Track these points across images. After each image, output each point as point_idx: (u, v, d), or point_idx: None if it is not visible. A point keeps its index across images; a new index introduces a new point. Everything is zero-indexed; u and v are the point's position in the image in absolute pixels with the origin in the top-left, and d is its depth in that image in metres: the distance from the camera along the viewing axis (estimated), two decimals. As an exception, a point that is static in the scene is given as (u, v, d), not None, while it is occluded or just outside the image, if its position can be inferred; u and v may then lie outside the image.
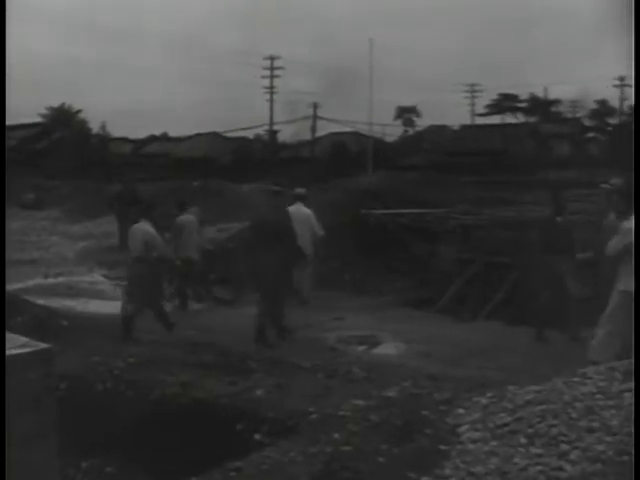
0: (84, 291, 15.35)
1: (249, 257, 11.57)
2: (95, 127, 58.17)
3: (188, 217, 14.21)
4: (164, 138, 58.85)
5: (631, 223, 8.52)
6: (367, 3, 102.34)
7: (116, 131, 59.13)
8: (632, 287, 8.35)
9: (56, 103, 56.74)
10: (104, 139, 57.11)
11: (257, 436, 7.21)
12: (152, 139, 58.34)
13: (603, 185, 11.44)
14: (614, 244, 8.77)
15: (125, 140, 57.50)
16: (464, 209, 16.69)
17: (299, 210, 12.82)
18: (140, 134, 59.14)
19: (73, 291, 15.29)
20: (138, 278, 11.12)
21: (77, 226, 25.10)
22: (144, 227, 11.27)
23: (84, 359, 8.92)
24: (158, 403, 7.95)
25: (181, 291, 14.09)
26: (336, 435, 6.52)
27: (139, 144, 56.98)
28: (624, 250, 8.53)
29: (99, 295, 15.31)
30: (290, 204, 12.41)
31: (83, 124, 57.10)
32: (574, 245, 11.44)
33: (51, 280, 15.53)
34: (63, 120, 55.27)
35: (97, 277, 16.56)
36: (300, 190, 13.71)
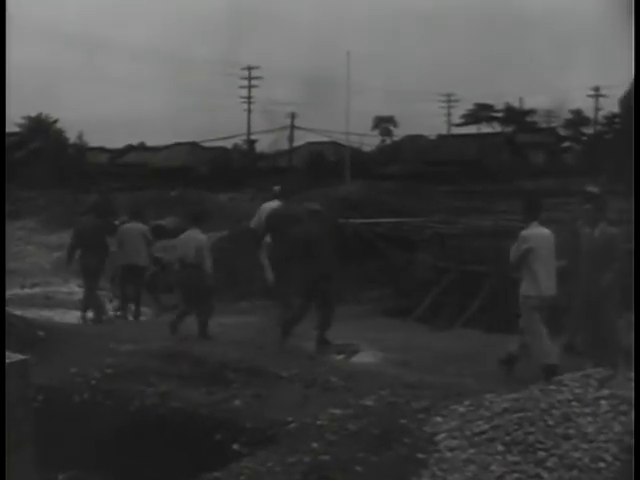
0: (61, 301, 15.26)
1: (288, 271, 12.17)
2: (72, 137, 57.96)
3: (134, 225, 14.27)
4: (141, 148, 58.66)
5: (528, 231, 9.22)
6: (344, 13, 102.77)
7: (93, 141, 58.93)
8: (531, 292, 9.07)
9: (33, 113, 56.45)
10: (81, 149, 56.86)
11: (235, 446, 7.20)
12: (129, 149, 58.13)
13: (589, 189, 11.55)
14: (513, 250, 9.30)
15: (102, 150, 57.28)
16: (441, 218, 16.80)
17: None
18: (117, 144, 58.96)
19: (50, 301, 15.20)
20: (188, 283, 11.64)
21: (53, 236, 24.93)
22: (196, 235, 11.73)
23: (61, 370, 8.86)
24: (137, 414, 7.92)
25: (131, 297, 14.28)
26: (314, 444, 6.53)
27: (116, 154, 56.77)
28: (522, 256, 9.10)
29: (76, 305, 15.21)
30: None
31: (60, 134, 56.82)
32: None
33: (27, 290, 15.44)
34: (40, 130, 54.96)
35: (74, 287, 16.46)
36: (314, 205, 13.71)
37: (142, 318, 14.25)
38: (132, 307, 14.26)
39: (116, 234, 14.16)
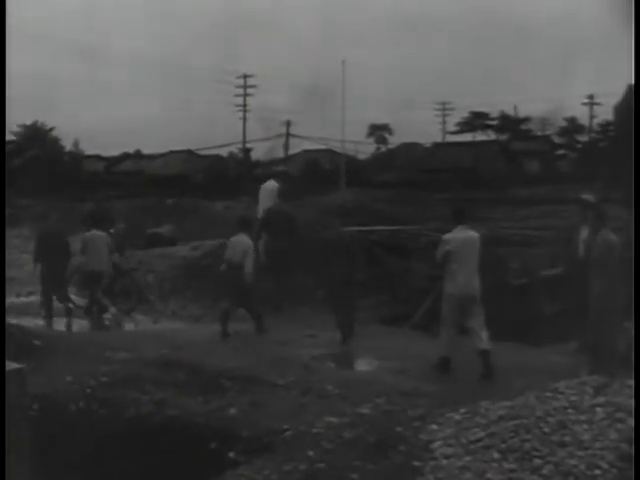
0: (57, 310, 15.22)
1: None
2: (68, 145, 57.90)
3: (96, 232, 14.78)
4: (137, 156, 58.60)
5: (450, 235, 10.03)
6: (339, 22, 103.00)
7: (89, 149, 58.87)
8: (451, 289, 9.91)
9: (29, 121, 56.40)
10: (77, 157, 56.78)
11: (231, 454, 7.19)
12: (125, 157, 58.08)
13: (584, 196, 11.61)
14: (437, 252, 10.15)
15: (98, 158, 57.20)
16: (436, 226, 16.79)
17: None
18: (113, 152, 58.90)
19: (94, 316, 15.16)
20: (236, 282, 12.70)
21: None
22: (244, 239, 13.02)
23: (57, 378, 8.85)
24: (132, 422, 7.91)
25: (96, 301, 14.66)
26: (310, 453, 6.53)
27: (112, 162, 56.70)
28: (444, 257, 9.92)
29: (72, 314, 15.17)
30: None
31: (56, 142, 56.76)
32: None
33: (23, 299, 15.38)
34: (36, 138, 54.90)
35: (70, 296, 16.42)
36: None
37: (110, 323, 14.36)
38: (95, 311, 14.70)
39: (80, 241, 14.75)
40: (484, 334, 9.81)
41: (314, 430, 7.12)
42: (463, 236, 9.99)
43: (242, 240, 13.03)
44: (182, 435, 7.62)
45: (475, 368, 9.56)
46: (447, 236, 10.12)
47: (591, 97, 58.13)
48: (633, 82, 9.05)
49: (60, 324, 14.18)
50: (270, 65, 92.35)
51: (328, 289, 13.11)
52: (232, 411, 7.93)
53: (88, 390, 8.62)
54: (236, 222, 14.09)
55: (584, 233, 10.79)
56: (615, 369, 8.67)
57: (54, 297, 14.57)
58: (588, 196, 11.70)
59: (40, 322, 13.92)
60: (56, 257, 14.42)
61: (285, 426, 7.32)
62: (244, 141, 57.99)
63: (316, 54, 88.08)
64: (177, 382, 8.90)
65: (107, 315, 14.83)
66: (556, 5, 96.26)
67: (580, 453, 5.91)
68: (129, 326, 14.58)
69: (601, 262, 9.51)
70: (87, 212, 21.29)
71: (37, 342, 10.50)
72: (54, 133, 57.02)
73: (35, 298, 15.44)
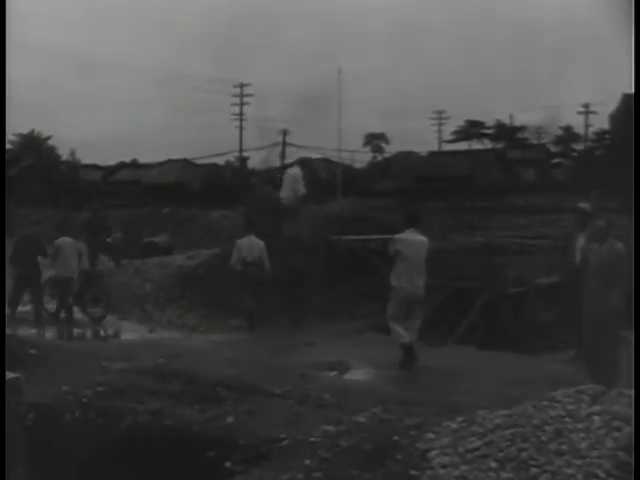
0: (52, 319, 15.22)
1: None
2: (64, 154, 57.92)
3: (66, 239, 15.29)
4: (134, 165, 58.65)
5: (400, 236, 11.05)
6: (336, 31, 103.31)
7: (86, 158, 58.90)
8: (395, 283, 10.82)
9: (25, 130, 56.39)
10: (74, 166, 56.78)
11: (228, 464, 7.17)
12: (122, 166, 58.11)
13: (580, 205, 11.63)
14: (388, 249, 11.16)
15: (95, 167, 57.23)
16: (432, 234, 16.81)
17: None
18: (110, 161, 58.94)
19: (63, 323, 15.17)
20: (256, 278, 14.02)
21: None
22: (256, 239, 14.34)
23: (53, 388, 8.83)
24: (129, 431, 7.89)
25: (65, 307, 15.10)
26: (307, 461, 6.51)
27: (109, 171, 56.72)
28: (393, 255, 10.95)
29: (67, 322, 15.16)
30: None
31: (52, 151, 56.77)
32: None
33: (20, 308, 15.37)
34: (32, 147, 54.89)
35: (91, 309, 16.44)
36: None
37: (131, 335, 14.29)
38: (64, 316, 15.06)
39: (51, 248, 15.26)
40: (414, 327, 10.87)
41: (311, 439, 7.10)
42: (412, 238, 10.95)
43: (254, 240, 14.38)
44: (179, 444, 7.60)
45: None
46: (397, 237, 11.10)
47: (586, 106, 58.37)
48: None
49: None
50: (267, 74, 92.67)
51: (286, 280, 14.45)
52: (229, 420, 7.92)
53: (84, 400, 8.60)
54: (243, 224, 15.10)
55: (581, 241, 10.81)
56: (613, 377, 8.69)
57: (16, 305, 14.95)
58: (584, 205, 11.73)
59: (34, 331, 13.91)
60: (32, 262, 14.85)
61: (282, 435, 7.30)
62: (240, 150, 58.08)
63: (312, 63, 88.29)
64: (173, 391, 8.88)
65: (139, 328, 14.98)
66: (553, 14, 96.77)
67: (577, 462, 5.89)
68: (77, 332, 14.62)
69: (606, 270, 9.52)
70: (84, 221, 21.34)
71: (33, 351, 10.47)
72: (50, 142, 57.08)
73: (31, 307, 15.44)
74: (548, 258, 13.56)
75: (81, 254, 15.44)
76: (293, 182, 17.17)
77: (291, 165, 20.58)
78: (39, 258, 15.21)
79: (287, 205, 17.08)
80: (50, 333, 14.07)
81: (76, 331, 14.64)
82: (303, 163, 19.55)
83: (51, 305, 15.50)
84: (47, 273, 15.50)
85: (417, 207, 16.11)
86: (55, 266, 15.12)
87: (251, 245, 14.35)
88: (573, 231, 11.38)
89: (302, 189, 16.91)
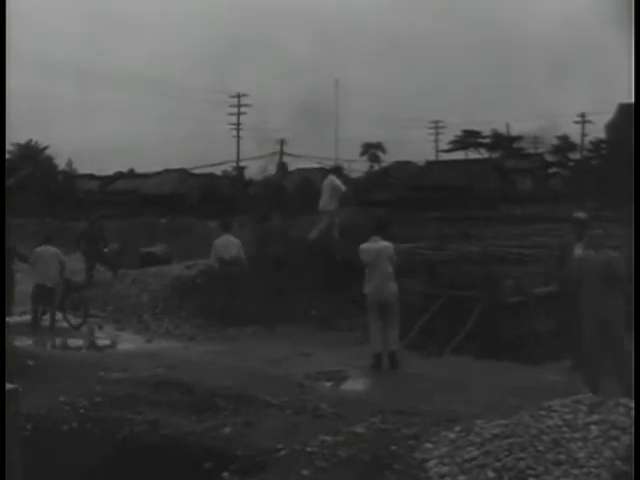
0: (56, 330, 15.21)
1: None
2: (62, 164, 57.93)
3: (47, 248, 15.60)
4: (131, 175, 58.68)
5: (365, 245, 11.48)
6: (333, 42, 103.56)
7: (83, 168, 58.91)
8: (367, 290, 11.39)
9: (22, 139, 56.40)
10: (70, 176, 56.80)
11: (225, 474, 7.16)
12: (119, 176, 58.14)
13: (577, 215, 11.65)
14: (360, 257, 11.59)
15: (92, 177, 57.24)
16: (430, 244, 16.81)
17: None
18: (107, 171, 58.95)
19: (39, 329, 15.13)
20: (232, 275, 14.95)
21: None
22: (232, 238, 15.35)
23: (50, 399, 8.82)
24: (126, 442, 7.88)
25: (45, 315, 15.31)
26: (305, 472, 6.51)
27: (106, 181, 56.74)
28: (363, 262, 11.47)
29: (64, 333, 15.14)
30: None
31: (49, 161, 56.79)
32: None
33: (16, 318, 15.35)
34: (29, 156, 54.91)
35: (71, 316, 16.42)
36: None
37: (128, 345, 14.27)
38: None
39: (31, 256, 15.55)
40: (395, 336, 11.33)
41: (308, 449, 7.10)
42: (372, 246, 11.43)
43: (231, 239, 15.38)
44: (176, 455, 7.59)
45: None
46: (362, 246, 11.59)
47: (583, 115, 58.46)
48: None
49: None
50: (264, 84, 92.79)
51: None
52: (226, 430, 7.91)
53: (81, 410, 8.59)
54: (220, 225, 15.98)
55: (578, 251, 10.82)
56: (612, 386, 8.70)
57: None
58: (581, 214, 11.75)
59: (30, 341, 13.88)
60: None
61: (279, 445, 7.30)
62: (238, 160, 58.09)
63: (310, 74, 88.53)
64: (171, 401, 8.87)
65: (136, 338, 14.84)
66: (549, 24, 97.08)
67: (575, 471, 5.90)
68: (74, 342, 14.50)
69: (602, 279, 9.53)
70: (81, 231, 21.35)
71: (30, 362, 10.46)
72: (47, 152, 57.13)
73: (28, 317, 15.42)
74: (545, 267, 13.55)
75: (63, 263, 15.63)
76: (331, 190, 17.44)
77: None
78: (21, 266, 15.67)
79: (325, 213, 17.43)
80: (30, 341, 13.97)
81: (70, 341, 14.56)
82: (338, 171, 20.14)
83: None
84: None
85: (387, 216, 16.37)
86: (34, 274, 15.40)
87: (227, 244, 15.29)
88: (570, 240, 11.39)
89: (342, 188, 17.40)
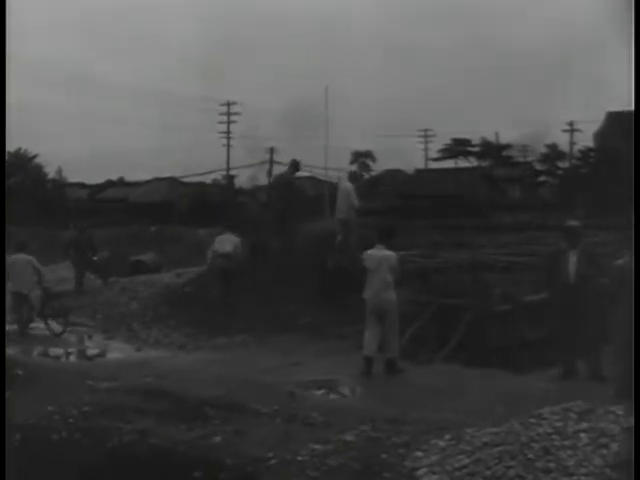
0: (38, 338, 15.16)
1: None
2: (51, 172, 57.81)
3: (20, 256, 15.75)
4: (121, 183, 58.57)
5: (368, 252, 11.84)
6: (322, 50, 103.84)
7: (72, 176, 58.78)
8: (366, 296, 11.61)
9: (12, 148, 56.23)
10: (60, 184, 56.68)
11: (216, 483, 7.14)
12: (109, 184, 58.03)
13: (570, 223, 11.68)
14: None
15: (81, 185, 57.12)
16: (420, 252, 16.82)
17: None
18: (96, 179, 58.83)
19: (28, 339, 15.09)
20: (221, 267, 16.27)
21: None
22: (232, 236, 16.70)
23: (39, 408, 8.77)
24: (115, 451, 7.85)
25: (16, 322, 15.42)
26: (295, 481, 6.49)
27: (96, 189, 56.63)
28: (364, 269, 11.74)
29: (53, 342, 15.10)
30: None
31: (39, 169, 56.65)
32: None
33: (7, 327, 15.30)
34: (19, 165, 54.75)
35: (51, 324, 16.37)
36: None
37: (117, 354, 14.24)
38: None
39: (7, 263, 15.60)
40: (393, 344, 11.50)
41: (299, 458, 7.08)
42: (376, 254, 11.72)
43: (229, 236, 16.73)
44: (166, 464, 7.56)
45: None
46: (365, 252, 12.00)
47: (571, 124, 58.67)
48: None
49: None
50: (254, 93, 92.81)
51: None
52: (216, 439, 7.89)
53: (70, 420, 8.55)
54: (222, 224, 17.39)
55: (573, 259, 10.87)
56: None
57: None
58: (574, 222, 11.77)
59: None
60: None
61: (270, 454, 7.28)
62: (228, 168, 58.06)
63: (299, 82, 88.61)
64: (160, 411, 8.84)
65: (125, 347, 14.90)
66: (538, 33, 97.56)
67: (564, 479, 5.91)
68: (55, 351, 14.49)
69: (599, 286, 9.65)
70: (70, 240, 21.30)
71: (20, 372, 10.42)
72: (37, 160, 56.99)
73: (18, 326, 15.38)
74: (534, 275, 13.58)
75: (38, 270, 15.77)
76: (347, 196, 17.44)
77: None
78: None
79: (341, 219, 17.39)
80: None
81: (56, 350, 14.51)
82: (354, 176, 20.50)
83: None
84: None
85: (394, 224, 16.20)
86: (9, 282, 15.50)
87: (224, 240, 16.59)
88: (563, 248, 11.38)
89: (356, 202, 17.38)
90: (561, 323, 10.92)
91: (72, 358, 14.15)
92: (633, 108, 9.51)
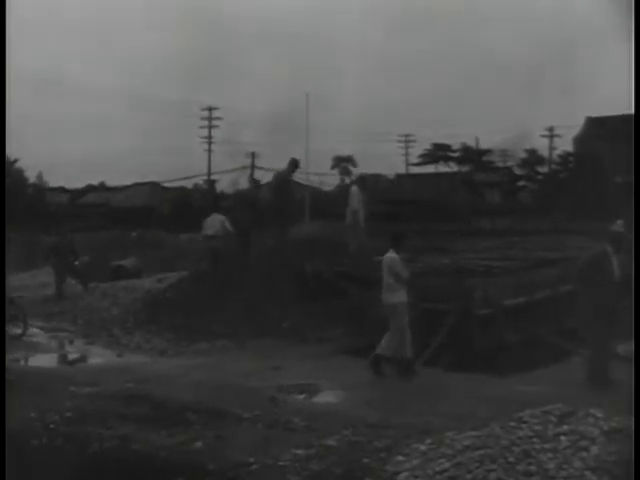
0: (20, 344, 15.04)
1: None
2: (32, 177, 57.49)
3: None
4: (102, 188, 58.37)
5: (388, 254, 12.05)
6: (303, 55, 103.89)
7: (53, 181, 58.47)
8: (391, 300, 11.79)
9: (-9, 152, 55.83)
10: (41, 189, 56.39)
11: (197, 489, 7.12)
12: (89, 189, 57.81)
13: (614, 227, 11.70)
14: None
15: (62, 190, 56.86)
16: (401, 257, 16.85)
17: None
18: (77, 184, 58.55)
19: (9, 344, 14.97)
20: (210, 247, 17.66)
21: (12, 277, 24.56)
22: (218, 216, 18.03)
23: (21, 414, 8.72)
24: (96, 457, 7.81)
25: None
26: (277, 485, 6.49)
27: (76, 194, 56.40)
28: (388, 274, 11.92)
29: (34, 348, 15.01)
30: None
31: (20, 174, 56.32)
32: None
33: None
34: (-1, 169, 54.38)
35: (32, 329, 16.27)
36: None
37: (98, 360, 14.18)
38: None
39: None
40: (384, 342, 11.71)
41: (280, 463, 7.09)
42: (384, 259, 12.18)
43: (215, 216, 18.16)
44: (147, 470, 7.54)
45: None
46: (381, 258, 12.42)
47: (551, 129, 58.99)
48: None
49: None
50: (235, 98, 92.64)
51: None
52: (197, 445, 7.87)
53: (51, 425, 8.51)
54: (208, 205, 19.39)
55: (614, 261, 10.96)
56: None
57: None
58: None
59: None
60: None
61: (251, 459, 7.27)
62: (209, 173, 57.97)
63: (280, 87, 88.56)
64: (141, 416, 8.81)
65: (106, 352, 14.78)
66: (519, 38, 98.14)
67: (545, 482, 5.95)
68: (20, 355, 14.20)
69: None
70: (50, 245, 21.18)
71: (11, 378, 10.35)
72: (17, 165, 56.63)
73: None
74: (516, 279, 13.67)
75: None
76: (356, 199, 17.89)
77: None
78: None
79: (349, 223, 17.70)
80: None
81: (39, 355, 14.42)
82: (362, 181, 20.96)
83: None
84: None
85: (404, 230, 16.22)
86: None
87: (213, 222, 17.91)
88: (607, 251, 11.09)
89: (355, 206, 17.76)
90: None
91: (31, 362, 13.98)
92: (633, 108, 9.62)
